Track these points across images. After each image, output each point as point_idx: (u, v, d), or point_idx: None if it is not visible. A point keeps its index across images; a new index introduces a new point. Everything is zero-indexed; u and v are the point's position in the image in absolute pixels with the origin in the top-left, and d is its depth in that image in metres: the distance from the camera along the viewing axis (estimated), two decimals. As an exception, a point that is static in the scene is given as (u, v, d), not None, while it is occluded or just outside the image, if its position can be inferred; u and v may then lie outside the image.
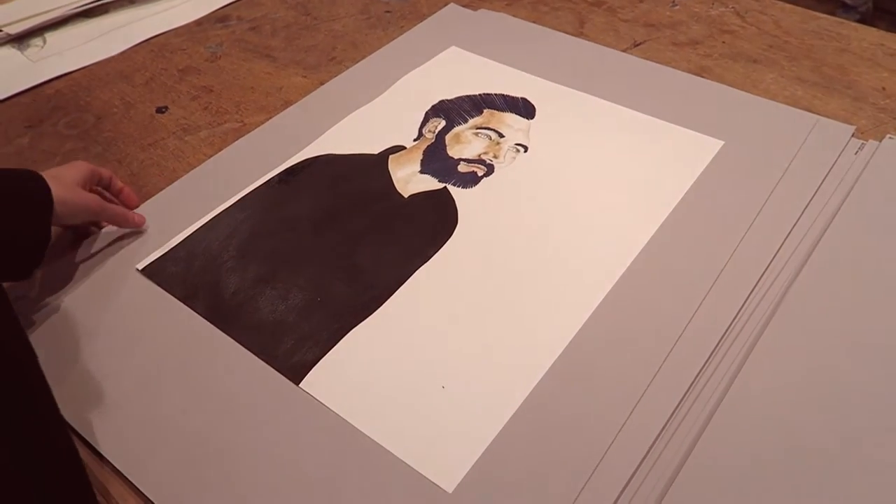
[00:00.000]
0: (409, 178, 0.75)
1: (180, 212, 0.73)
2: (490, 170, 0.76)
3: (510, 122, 0.81)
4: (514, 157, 0.77)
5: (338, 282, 0.65)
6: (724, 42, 0.94)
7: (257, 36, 1.01)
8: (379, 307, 0.63)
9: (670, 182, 0.73)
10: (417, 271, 0.66)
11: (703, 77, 0.88)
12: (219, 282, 0.66)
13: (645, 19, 0.99)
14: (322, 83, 0.90)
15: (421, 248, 0.68)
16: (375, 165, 0.77)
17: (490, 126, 0.80)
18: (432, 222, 0.70)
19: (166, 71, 0.95)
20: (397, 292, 0.64)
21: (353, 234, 0.69)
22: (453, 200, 0.72)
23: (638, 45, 0.95)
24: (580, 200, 0.72)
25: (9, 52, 1.00)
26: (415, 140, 0.80)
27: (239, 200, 0.74)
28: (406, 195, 0.73)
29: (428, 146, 0.79)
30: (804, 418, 0.53)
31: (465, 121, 0.81)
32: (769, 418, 0.53)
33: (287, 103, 0.88)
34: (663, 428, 0.53)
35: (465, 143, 0.79)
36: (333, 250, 0.68)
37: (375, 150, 0.79)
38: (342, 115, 0.84)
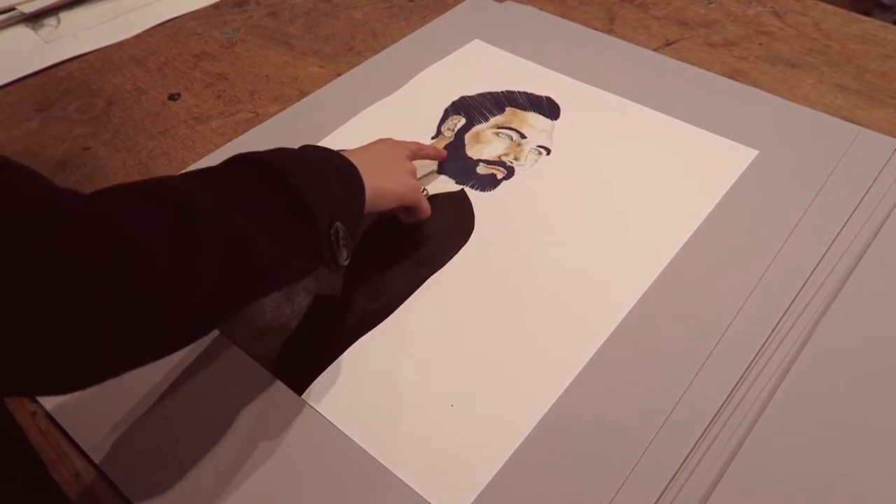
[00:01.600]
0: (428, 179, 0.72)
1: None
2: (510, 172, 0.72)
3: (533, 123, 0.78)
4: (536, 160, 0.74)
5: (346, 287, 0.62)
6: (760, 44, 0.90)
7: (275, 22, 0.98)
8: (387, 317, 0.60)
9: (701, 191, 0.69)
10: (430, 279, 0.63)
11: (737, 80, 0.84)
12: (223, 281, 0.63)
13: (678, 17, 0.95)
14: (339, 74, 0.87)
15: (434, 255, 0.65)
16: (391, 163, 0.73)
17: (512, 126, 0.77)
18: (447, 227, 0.67)
19: (180, 56, 0.92)
20: (407, 301, 0.61)
21: (364, 236, 0.66)
22: (470, 204, 0.69)
23: (670, 44, 0.90)
24: (605, 208, 0.68)
25: (22, 31, 0.97)
26: (433, 138, 0.77)
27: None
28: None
29: (446, 145, 0.76)
30: (842, 436, 0.50)
31: (486, 119, 0.78)
32: (806, 437, 0.50)
33: (302, 94, 0.85)
34: (691, 451, 0.49)
35: (486, 143, 0.75)
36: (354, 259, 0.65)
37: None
38: (358, 109, 0.81)
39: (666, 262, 0.63)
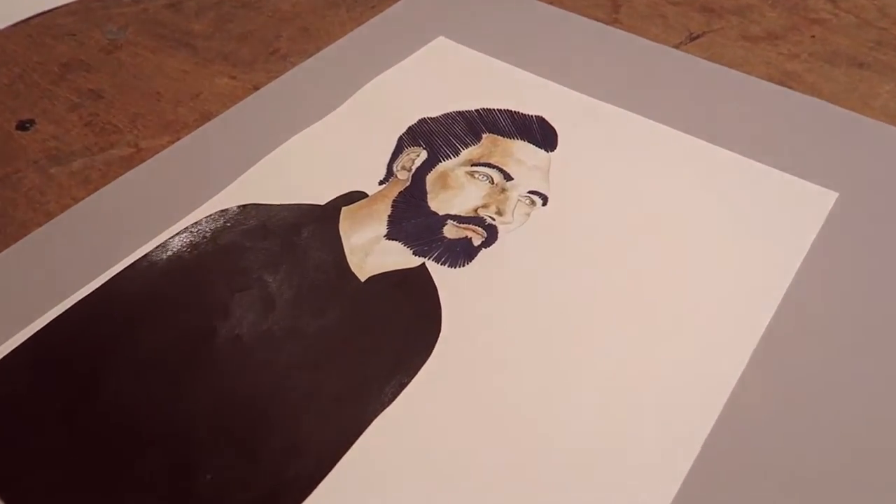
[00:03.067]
0: (370, 248, 0.50)
1: (22, 294, 0.48)
2: (492, 235, 0.50)
3: (521, 156, 0.56)
4: (528, 214, 0.52)
5: (235, 445, 0.40)
6: (813, 36, 0.69)
7: (176, 16, 0.74)
8: (314, 486, 0.38)
9: (770, 257, 0.48)
10: (375, 421, 0.41)
11: (789, 88, 0.62)
12: (69, 411, 0.41)
13: (702, 1, 0.73)
14: (256, 88, 0.64)
15: (382, 377, 0.43)
16: (318, 225, 0.51)
17: (492, 162, 0.55)
18: (397, 330, 0.45)
19: (42, 66, 0.68)
20: (342, 462, 0.39)
21: (271, 351, 0.44)
22: (435, 289, 0.47)
23: (695, 38, 0.69)
24: (639, 289, 0.47)
25: None
26: (381, 182, 0.55)
27: (107, 283, 0.48)
28: (363, 277, 0.48)
29: (400, 193, 0.53)
30: None
31: (456, 152, 0.56)
32: None
33: (204, 117, 0.62)
34: None
35: (456, 190, 0.53)
36: (232, 383, 0.43)
37: (322, 199, 0.53)
38: (279, 140, 0.58)
39: (737, 375, 0.41)
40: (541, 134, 0.58)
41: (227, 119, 0.61)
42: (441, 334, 0.45)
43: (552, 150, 0.57)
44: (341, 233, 0.51)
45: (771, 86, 0.62)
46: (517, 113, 0.59)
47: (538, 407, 0.41)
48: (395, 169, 0.55)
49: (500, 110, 0.59)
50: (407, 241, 0.50)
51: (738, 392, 0.41)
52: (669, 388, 0.42)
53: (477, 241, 0.50)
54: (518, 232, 0.51)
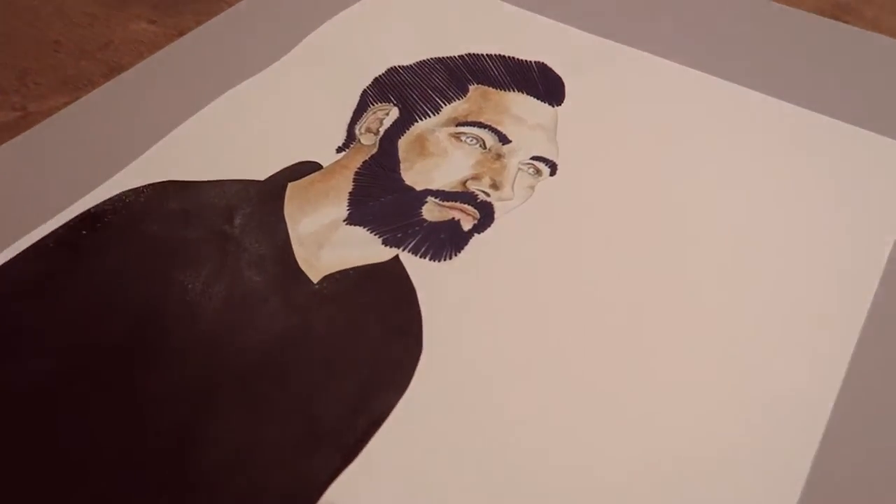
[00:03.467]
0: (324, 237, 0.37)
1: None
2: (486, 216, 0.38)
3: (520, 113, 0.43)
4: (533, 188, 0.40)
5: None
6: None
7: (86, -51, 0.60)
8: None
9: (859, 237, 0.36)
10: (342, 476, 0.29)
11: (846, 23, 0.51)
12: None
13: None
14: (182, 34, 0.51)
15: (341, 421, 0.31)
16: (256, 209, 0.39)
17: (483, 121, 0.42)
18: (365, 351, 0.33)
19: None
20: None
21: (194, 381, 0.32)
22: (412, 292, 0.35)
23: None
24: (688, 288, 0.35)
25: None
26: (340, 150, 0.42)
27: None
28: (316, 277, 0.36)
29: (365, 164, 0.41)
30: None
31: (437, 109, 0.43)
32: None
33: (114, 71, 0.48)
34: None
35: (437, 157, 0.41)
36: (150, 422, 0.31)
37: (262, 174, 0.40)
38: (207, 99, 0.45)
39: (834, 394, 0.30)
40: (543, 84, 0.45)
41: (142, 73, 0.48)
42: (422, 358, 0.33)
43: (558, 105, 0.45)
44: (287, 218, 0.38)
45: (825, 21, 0.50)
46: (512, 58, 0.47)
47: (561, 468, 0.29)
48: (357, 132, 0.43)
49: (490, 55, 0.47)
50: (374, 227, 0.38)
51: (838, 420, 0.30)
52: (759, 423, 0.30)
53: (467, 225, 0.38)
54: (520, 211, 0.39)
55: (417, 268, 0.36)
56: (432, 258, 0.37)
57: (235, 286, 0.35)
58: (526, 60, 0.47)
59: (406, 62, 0.47)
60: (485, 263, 0.36)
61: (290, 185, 0.40)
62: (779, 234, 0.37)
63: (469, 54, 0.47)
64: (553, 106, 0.44)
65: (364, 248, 0.37)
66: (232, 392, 0.32)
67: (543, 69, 0.46)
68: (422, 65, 0.47)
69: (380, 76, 0.46)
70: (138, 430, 0.30)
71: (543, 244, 0.37)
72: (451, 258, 0.37)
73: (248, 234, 0.37)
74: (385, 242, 0.37)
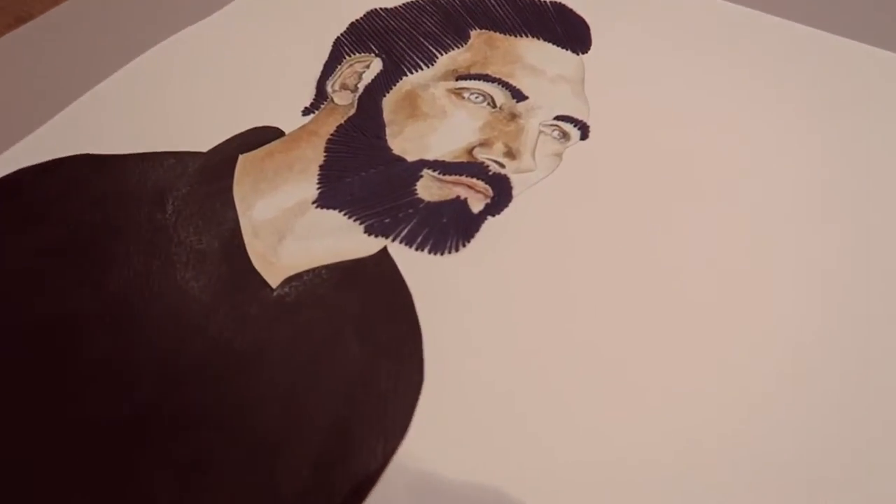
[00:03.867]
0: (287, 225, 0.28)
1: None
2: (502, 193, 0.29)
3: (536, 62, 0.34)
4: (560, 155, 0.31)
5: None
6: None
7: None
8: None
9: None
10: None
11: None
12: None
13: None
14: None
15: (318, 482, 0.22)
16: (197, 189, 0.29)
17: (490, 73, 0.33)
18: (342, 382, 0.24)
19: None
20: None
21: (106, 430, 0.23)
22: (408, 299, 0.26)
23: None
24: (738, 276, 0.26)
25: None
26: (307, 112, 0.33)
27: None
28: (276, 279, 0.26)
29: (340, 128, 0.31)
30: None
31: (431, 59, 0.34)
32: None
33: (18, 21, 0.38)
34: None
35: (433, 119, 0.31)
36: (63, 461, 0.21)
37: (205, 143, 0.31)
38: (138, 50, 0.35)
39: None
40: (563, 27, 0.36)
41: (52, 21, 0.38)
42: (423, 390, 0.23)
43: (584, 52, 0.35)
44: (237, 200, 0.29)
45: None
46: (522, -3, 0.38)
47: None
48: (329, 89, 0.33)
49: (494, -7, 0.38)
50: (354, 210, 0.28)
51: None
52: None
53: (477, 205, 0.29)
54: (545, 186, 0.30)
55: (413, 264, 0.27)
56: (432, 250, 0.27)
57: (167, 294, 0.26)
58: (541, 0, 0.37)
59: (389, 3, 0.37)
60: (502, 255, 0.27)
61: (241, 157, 0.30)
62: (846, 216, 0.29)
63: (468, -8, 0.38)
64: (577, 53, 0.35)
65: (340, 239, 0.28)
66: (157, 444, 0.22)
67: (561, 9, 0.37)
68: (410, 6, 0.37)
69: (357, 21, 0.36)
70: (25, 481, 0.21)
71: (576, 228, 0.28)
72: (457, 249, 0.27)
73: (184, 222, 0.28)
74: (368, 230, 0.28)
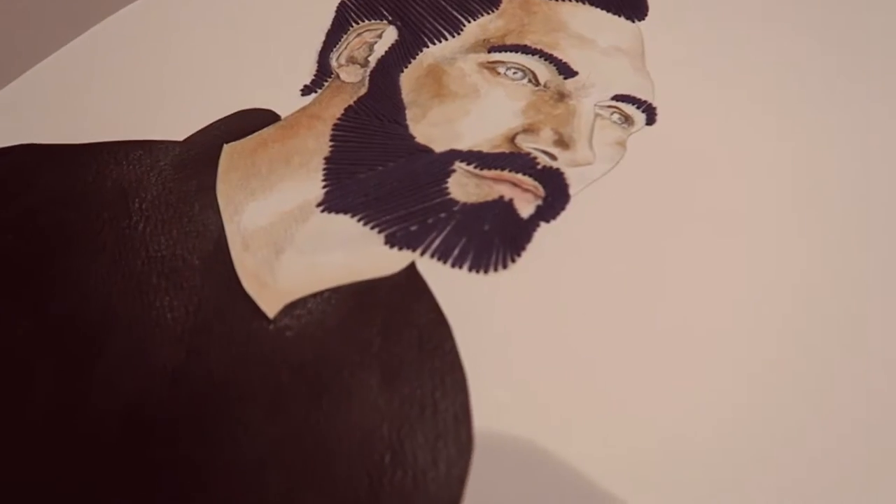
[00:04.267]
0: (286, 234, 0.22)
1: None
2: (555, 192, 0.23)
3: (583, 30, 0.28)
4: (624, 144, 0.25)
5: None
6: None
7: None
8: None
9: None
10: None
11: None
12: None
13: None
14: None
15: None
16: (174, 189, 0.23)
17: (527, 44, 0.27)
18: (369, 442, 0.18)
19: None
20: None
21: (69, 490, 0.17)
22: (445, 327, 0.20)
23: None
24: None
25: None
26: (306, 91, 0.26)
27: None
28: (273, 308, 0.20)
29: (348, 110, 0.25)
30: None
31: (456, 27, 0.28)
32: None
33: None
34: None
35: (464, 100, 0.25)
36: None
37: (181, 131, 0.25)
38: (98, 15, 0.29)
39: None
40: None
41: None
42: (474, 459, 0.18)
43: (640, 18, 0.29)
44: (222, 203, 0.23)
45: None
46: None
47: None
48: (334, 63, 0.27)
49: (527, -50, 0.31)
50: (370, 214, 0.22)
51: None
52: None
53: (526, 207, 0.23)
54: (609, 182, 0.24)
55: (449, 284, 0.21)
56: (473, 266, 0.21)
57: (132, 325, 0.20)
58: (582, -43, 0.31)
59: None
60: (560, 271, 0.21)
61: (226, 147, 0.24)
62: None
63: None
64: (633, 20, 0.29)
65: (354, 252, 0.22)
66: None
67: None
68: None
69: (365, -20, 0.30)
70: None
71: (649, 236, 0.23)
72: (504, 265, 0.22)
73: (154, 232, 0.22)
74: (390, 241, 0.22)
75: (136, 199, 0.23)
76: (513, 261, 0.21)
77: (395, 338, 0.20)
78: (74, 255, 0.22)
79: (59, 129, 0.25)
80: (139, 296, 0.21)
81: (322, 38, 0.28)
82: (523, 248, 0.22)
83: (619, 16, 0.29)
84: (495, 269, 0.21)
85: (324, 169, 0.23)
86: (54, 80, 0.27)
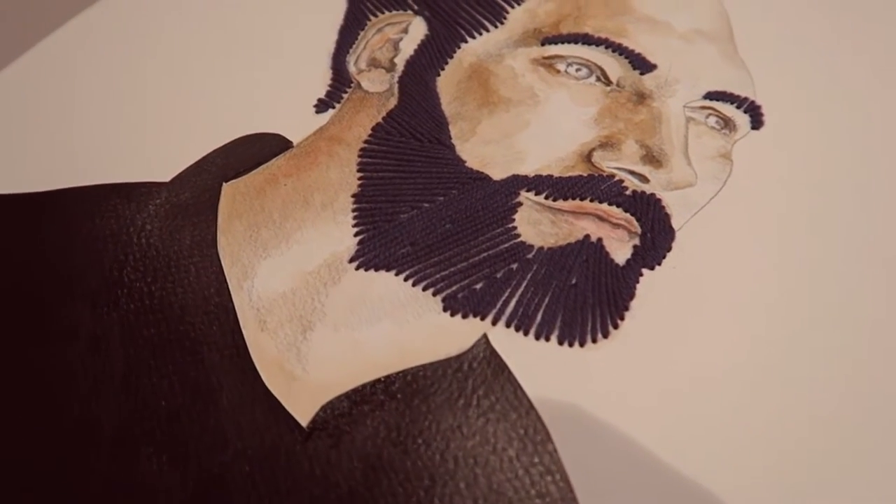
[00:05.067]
0: (313, 305, 0.17)
1: None
2: (654, 226, 0.18)
3: (654, 11, 0.23)
4: (728, 157, 0.20)
5: None
6: None
7: None
8: None
9: None
10: None
11: None
12: None
13: None
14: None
15: None
16: (163, 246, 0.18)
17: (587, 32, 0.22)
18: None
19: None
20: None
21: None
22: (539, 424, 0.15)
23: None
24: None
25: None
26: (322, 106, 0.21)
27: None
28: (305, 413, 0.15)
29: (377, 129, 0.20)
30: None
31: (497, 17, 0.23)
32: None
33: None
34: None
35: (522, 109, 0.20)
36: None
37: (167, 169, 0.19)
38: (52, 26, 0.23)
39: None
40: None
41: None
42: None
43: (719, -8, 0.24)
44: (226, 264, 0.17)
45: None
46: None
47: None
48: (352, 68, 0.22)
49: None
50: (419, 270, 0.17)
51: None
52: None
53: (621, 249, 0.18)
54: (718, 210, 0.19)
55: (535, 363, 0.16)
56: (564, 336, 0.16)
57: (120, 442, 0.15)
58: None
59: (422, -64, 0.26)
60: (681, 340, 0.16)
61: (226, 187, 0.19)
62: None
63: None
64: None
65: (404, 324, 0.17)
66: None
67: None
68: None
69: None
70: None
71: (783, 275, 0.17)
72: (605, 334, 0.16)
73: (140, 309, 0.17)
74: (451, 305, 0.17)
75: (114, 267, 0.17)
76: (615, 326, 0.16)
77: (471, 445, 0.15)
78: (41, 342, 0.16)
79: (19, 169, 0.19)
80: (115, 397, 0.16)
81: (335, 37, 0.23)
82: (626, 308, 0.17)
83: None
84: (593, 340, 0.16)
85: (354, 210, 0.18)
86: (14, 98, 0.21)
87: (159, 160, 0.19)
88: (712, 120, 0.20)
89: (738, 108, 0.21)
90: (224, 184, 0.19)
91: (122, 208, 0.18)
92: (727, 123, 0.20)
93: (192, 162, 0.19)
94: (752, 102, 0.21)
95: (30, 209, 0.18)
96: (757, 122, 0.21)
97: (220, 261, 0.17)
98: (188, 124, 0.20)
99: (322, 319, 0.17)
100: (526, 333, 0.16)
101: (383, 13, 0.23)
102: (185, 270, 0.17)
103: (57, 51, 0.22)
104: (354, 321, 0.17)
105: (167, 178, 0.19)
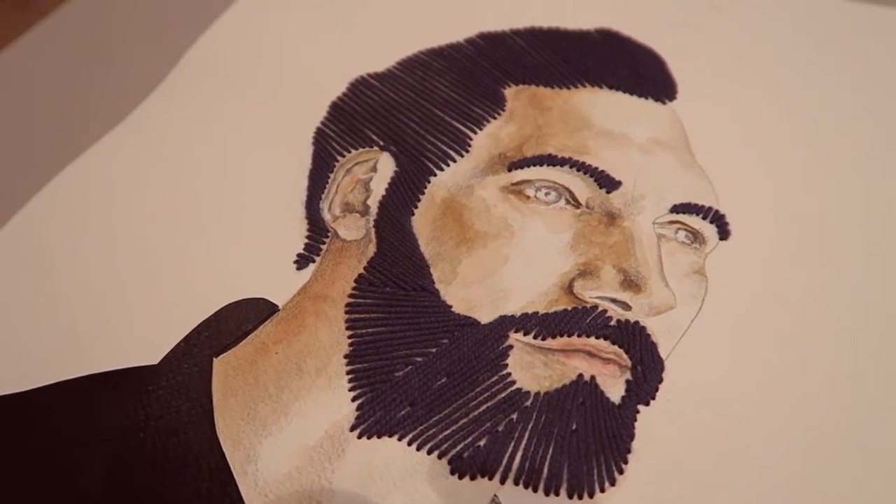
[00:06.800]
0: (319, 483, 0.17)
1: None
2: (643, 357, 0.19)
3: (610, 123, 0.24)
4: (702, 273, 0.21)
5: None
6: None
7: None
8: None
9: None
10: None
11: None
12: None
13: None
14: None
15: None
16: (160, 436, 0.17)
17: (550, 152, 0.22)
18: None
19: None
20: None
21: None
22: None
23: None
24: None
25: None
26: (302, 261, 0.21)
27: None
28: None
29: (360, 281, 0.20)
30: None
31: (462, 145, 0.23)
32: None
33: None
34: None
35: (498, 243, 0.21)
36: None
37: (154, 351, 0.19)
38: (40, 182, 0.23)
39: None
40: (629, 65, 0.26)
41: None
42: None
43: (670, 98, 0.25)
44: (227, 449, 0.17)
45: None
46: (558, 30, 0.27)
47: None
48: (327, 214, 0.22)
49: (517, 32, 0.27)
50: (421, 433, 0.17)
51: None
52: None
53: (615, 385, 0.18)
54: (699, 332, 0.19)
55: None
56: (573, 490, 0.17)
57: None
58: (584, 31, 0.27)
59: (378, 66, 0.26)
60: (679, 484, 0.17)
61: (216, 362, 0.19)
62: None
63: (483, 35, 0.27)
64: (663, 101, 0.25)
65: (415, 493, 0.17)
66: None
67: (611, 40, 0.27)
68: (408, 66, 0.26)
69: (339, 99, 0.25)
70: None
71: (781, 401, 0.18)
72: (612, 481, 0.17)
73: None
74: (457, 467, 0.17)
75: (106, 465, 0.17)
76: (620, 472, 0.17)
77: None
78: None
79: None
80: None
81: (305, 181, 0.23)
82: (628, 451, 0.17)
83: (646, 98, 0.25)
84: (601, 490, 0.16)
85: (348, 372, 0.18)
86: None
87: (152, 348, 0.19)
88: (682, 235, 0.21)
89: (703, 218, 0.21)
90: (214, 359, 0.19)
91: (111, 399, 0.18)
92: (696, 237, 0.21)
93: (178, 338, 0.19)
94: (717, 212, 0.22)
95: (13, 408, 0.18)
96: (724, 231, 0.22)
97: (220, 446, 0.17)
98: (169, 298, 0.20)
99: (331, 498, 0.17)
100: (535, 490, 0.16)
101: (349, 152, 0.24)
102: (182, 461, 0.17)
103: (29, 228, 0.22)
104: (364, 499, 0.17)
105: (156, 360, 0.19)
